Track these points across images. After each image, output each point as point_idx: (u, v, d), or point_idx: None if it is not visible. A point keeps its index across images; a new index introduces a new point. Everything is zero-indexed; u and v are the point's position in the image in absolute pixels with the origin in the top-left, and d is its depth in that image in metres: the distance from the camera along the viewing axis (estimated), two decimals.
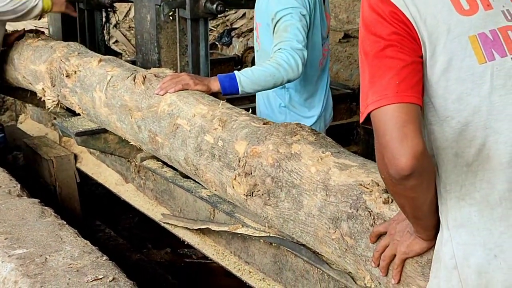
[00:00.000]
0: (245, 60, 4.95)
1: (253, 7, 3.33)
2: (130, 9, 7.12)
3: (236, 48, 6.24)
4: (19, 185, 3.11)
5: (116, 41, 7.08)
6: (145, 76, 3.00)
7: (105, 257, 2.37)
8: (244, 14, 6.64)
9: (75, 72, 3.43)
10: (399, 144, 1.43)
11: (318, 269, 2.40)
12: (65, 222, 2.68)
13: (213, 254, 3.00)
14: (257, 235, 2.63)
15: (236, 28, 6.61)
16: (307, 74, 2.99)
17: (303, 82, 3.02)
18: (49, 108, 3.70)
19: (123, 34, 7.16)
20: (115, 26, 5.53)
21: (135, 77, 3.04)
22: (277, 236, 2.52)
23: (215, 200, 2.90)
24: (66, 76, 3.48)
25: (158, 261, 4.10)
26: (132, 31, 6.92)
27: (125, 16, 7.28)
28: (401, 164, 1.43)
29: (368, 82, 1.51)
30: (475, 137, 1.49)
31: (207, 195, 2.97)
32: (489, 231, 1.49)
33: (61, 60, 3.58)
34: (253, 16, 6.53)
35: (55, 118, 3.96)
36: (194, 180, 2.99)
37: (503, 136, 1.49)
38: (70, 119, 3.62)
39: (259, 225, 2.63)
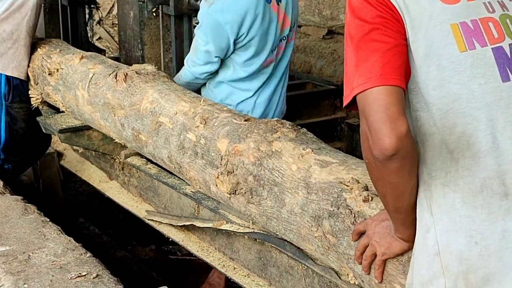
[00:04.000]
0: None
1: None
2: (113, 5, 7.09)
3: None
4: (1, 182, 3.09)
5: (100, 38, 7.05)
6: (127, 73, 3.00)
7: (88, 254, 2.37)
8: None
9: (57, 70, 3.42)
10: (382, 125, 1.46)
11: (303, 265, 2.41)
12: (48, 219, 2.67)
13: (197, 251, 3.00)
14: (241, 231, 2.64)
15: None
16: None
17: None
18: (33, 106, 3.68)
19: (106, 30, 7.13)
20: (98, 22, 5.51)
21: (116, 74, 3.03)
22: (262, 232, 2.52)
23: (200, 196, 2.90)
24: (49, 74, 3.47)
25: (143, 258, 4.10)
26: (116, 28, 6.90)
27: (108, 12, 7.25)
28: (384, 144, 1.46)
29: (353, 65, 1.53)
30: (455, 125, 1.52)
31: (191, 191, 2.96)
32: (470, 218, 1.52)
33: (43, 57, 3.57)
34: None
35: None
36: (178, 177, 2.99)
37: (482, 124, 1.51)
38: (53, 116, 3.60)
39: (244, 221, 2.63)
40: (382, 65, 1.49)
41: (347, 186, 1.95)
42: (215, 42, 3.07)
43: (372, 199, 1.86)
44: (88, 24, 4.53)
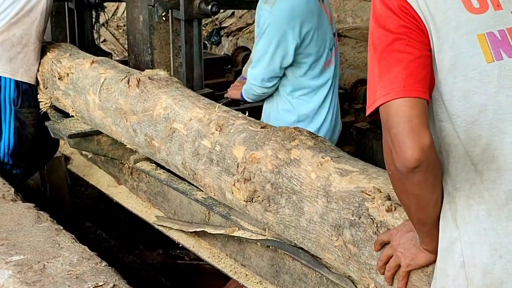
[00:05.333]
0: (235, 59, 4.93)
1: (246, 8, 3.37)
2: (117, 7, 7.08)
3: (226, 47, 6.23)
4: (13, 189, 3.05)
5: (104, 40, 7.03)
6: (139, 79, 2.98)
7: (104, 263, 2.34)
8: (233, 13, 6.63)
9: (68, 74, 3.40)
10: (405, 137, 1.45)
11: (317, 272, 2.40)
12: (62, 227, 2.64)
13: (208, 257, 2.99)
14: (254, 238, 2.62)
15: (225, 27, 6.59)
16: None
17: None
18: (41, 110, 3.66)
19: (111, 33, 7.12)
20: (102, 25, 5.50)
21: (129, 80, 3.01)
22: (275, 239, 2.51)
23: (211, 202, 2.88)
24: (59, 79, 3.45)
25: (150, 263, 4.08)
26: (120, 30, 6.89)
27: (112, 15, 7.23)
28: (407, 156, 1.45)
29: (377, 76, 1.52)
30: (481, 137, 1.51)
31: (202, 197, 2.94)
32: (495, 231, 1.51)
33: (52, 62, 3.54)
34: (242, 15, 6.54)
35: None
36: (189, 182, 2.98)
37: (508, 136, 1.50)
38: (62, 120, 3.58)
39: (256, 228, 2.62)
40: (405, 77, 1.48)
41: (369, 195, 1.93)
42: (281, 47, 3.04)
43: (395, 209, 1.84)
44: (95, 27, 4.50)
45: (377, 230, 1.86)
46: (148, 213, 3.39)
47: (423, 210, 1.57)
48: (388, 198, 1.89)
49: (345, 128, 4.21)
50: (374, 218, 1.88)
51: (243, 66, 4.76)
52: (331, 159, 2.16)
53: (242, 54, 4.91)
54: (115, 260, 3.69)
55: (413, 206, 1.57)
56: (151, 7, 3.51)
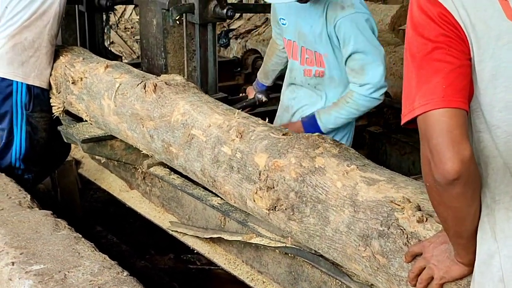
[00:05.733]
0: (245, 62, 4.90)
1: (261, 12, 3.33)
2: (125, 9, 7.06)
3: (234, 49, 6.21)
4: (29, 196, 3.01)
5: (112, 43, 7.01)
6: (156, 84, 2.95)
7: (125, 273, 2.31)
8: (241, 15, 6.60)
9: (81, 78, 3.37)
10: (445, 149, 1.42)
11: (337, 280, 2.38)
12: (80, 235, 2.61)
13: (224, 263, 2.96)
14: (272, 245, 2.60)
15: (233, 29, 6.57)
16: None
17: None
18: (54, 115, 3.64)
19: (119, 35, 7.09)
20: (111, 27, 5.47)
21: (145, 85, 2.98)
22: (294, 246, 2.48)
23: (227, 208, 2.86)
24: (72, 83, 3.42)
25: (162, 268, 4.05)
26: (128, 32, 6.87)
27: (120, 17, 7.21)
28: (447, 168, 1.42)
29: (415, 85, 1.49)
30: None
31: (218, 203, 2.92)
32: None
33: (65, 66, 3.52)
34: (250, 17, 6.47)
35: None
36: (204, 188, 2.95)
37: None
38: (75, 125, 3.55)
39: (274, 235, 2.60)
40: (445, 87, 1.45)
41: (398, 205, 1.90)
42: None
43: (426, 219, 1.81)
44: (105, 30, 4.48)
45: (408, 241, 1.83)
46: (161, 218, 3.37)
47: (460, 222, 1.54)
48: (418, 208, 1.86)
49: (358, 132, 4.18)
50: (404, 229, 1.85)
51: (253, 68, 4.74)
52: (357, 167, 2.14)
53: (252, 57, 4.88)
54: (126, 265, 3.66)
55: (450, 219, 1.55)
56: (165, 11, 3.48)
